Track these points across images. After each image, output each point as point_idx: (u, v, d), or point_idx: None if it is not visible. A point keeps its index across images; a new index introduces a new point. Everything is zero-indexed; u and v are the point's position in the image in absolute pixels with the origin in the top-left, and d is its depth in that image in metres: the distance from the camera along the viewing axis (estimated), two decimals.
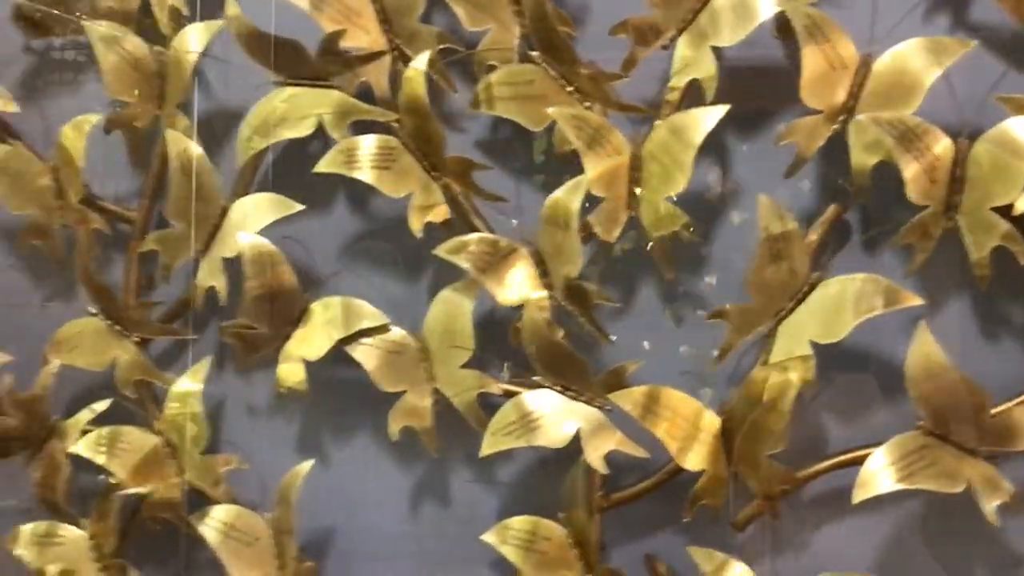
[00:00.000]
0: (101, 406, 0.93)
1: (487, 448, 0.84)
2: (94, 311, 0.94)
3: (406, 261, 0.91)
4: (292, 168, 0.92)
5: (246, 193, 0.90)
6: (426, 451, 0.88)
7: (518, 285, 0.84)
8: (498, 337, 0.87)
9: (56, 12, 0.96)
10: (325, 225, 0.92)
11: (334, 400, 0.92)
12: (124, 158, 0.97)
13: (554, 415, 0.84)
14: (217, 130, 0.93)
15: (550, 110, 0.81)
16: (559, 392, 0.83)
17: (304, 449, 0.93)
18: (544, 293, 0.83)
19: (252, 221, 0.89)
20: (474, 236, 0.85)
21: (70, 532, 0.94)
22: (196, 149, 0.89)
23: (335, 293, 0.89)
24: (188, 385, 0.91)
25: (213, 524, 0.90)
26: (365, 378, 0.89)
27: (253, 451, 0.93)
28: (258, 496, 0.92)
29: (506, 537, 0.85)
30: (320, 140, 0.90)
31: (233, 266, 0.90)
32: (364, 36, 0.86)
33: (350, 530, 0.93)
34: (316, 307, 0.88)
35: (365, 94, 0.88)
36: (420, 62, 0.83)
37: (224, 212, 0.90)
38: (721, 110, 0.79)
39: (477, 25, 0.84)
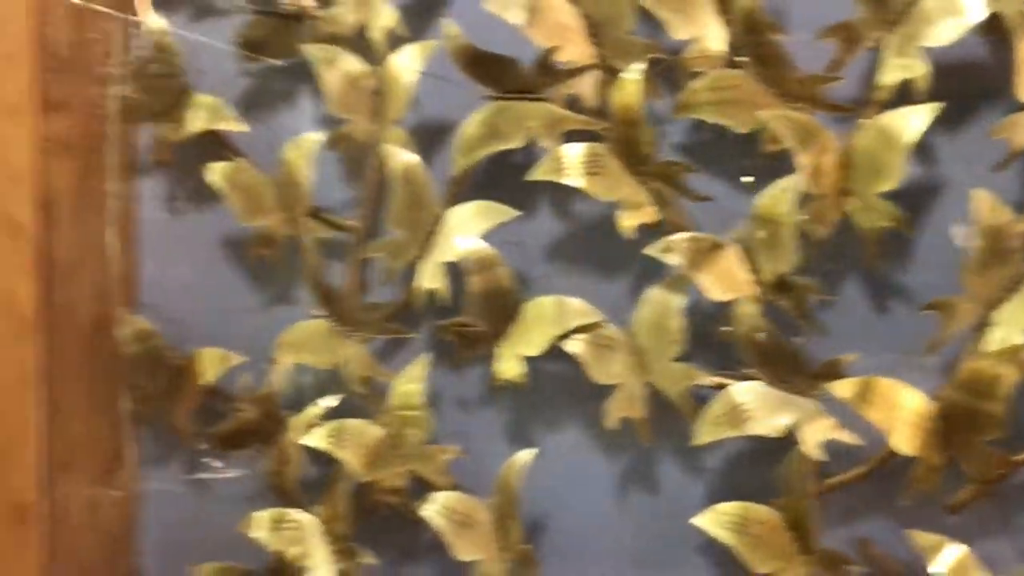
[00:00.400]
0: (331, 401, 0.96)
1: (704, 437, 0.84)
2: (319, 313, 0.98)
3: (609, 261, 0.92)
4: (498, 176, 0.94)
5: (458, 201, 0.93)
6: (632, 441, 0.89)
7: (728, 281, 0.85)
8: (702, 331, 0.88)
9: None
10: (530, 228, 0.93)
11: (543, 392, 0.93)
12: (334, 170, 1.00)
13: (765, 406, 0.84)
14: (429, 143, 0.95)
15: (762, 113, 0.82)
16: (769, 384, 0.84)
17: (515, 439, 0.94)
18: (754, 288, 0.84)
19: (469, 227, 0.91)
20: (683, 235, 0.85)
21: (301, 517, 0.98)
22: (414, 161, 0.92)
23: (544, 292, 0.91)
24: (410, 380, 0.93)
25: (436, 509, 0.92)
26: (571, 371, 0.90)
27: (466, 441, 0.95)
28: (473, 483, 0.94)
29: (717, 521, 0.86)
30: (523, 149, 0.92)
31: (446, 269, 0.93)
32: (573, 49, 0.87)
33: (560, 517, 0.94)
34: (531, 305, 0.89)
35: (570, 104, 0.89)
36: (634, 72, 0.83)
37: (440, 219, 0.93)
38: (932, 109, 0.78)
39: (683, 34, 0.84)
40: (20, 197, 0.95)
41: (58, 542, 0.99)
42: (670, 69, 0.86)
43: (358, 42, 0.94)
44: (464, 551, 0.91)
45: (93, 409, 1.02)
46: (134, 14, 1.02)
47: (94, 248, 1.02)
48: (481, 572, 0.91)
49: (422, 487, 0.94)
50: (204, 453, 1.04)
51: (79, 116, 0.99)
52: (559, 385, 0.93)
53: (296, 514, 0.97)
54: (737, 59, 0.82)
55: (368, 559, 0.95)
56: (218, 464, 1.04)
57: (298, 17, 0.97)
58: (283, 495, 0.98)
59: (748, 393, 0.83)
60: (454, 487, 0.93)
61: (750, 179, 0.86)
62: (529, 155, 0.91)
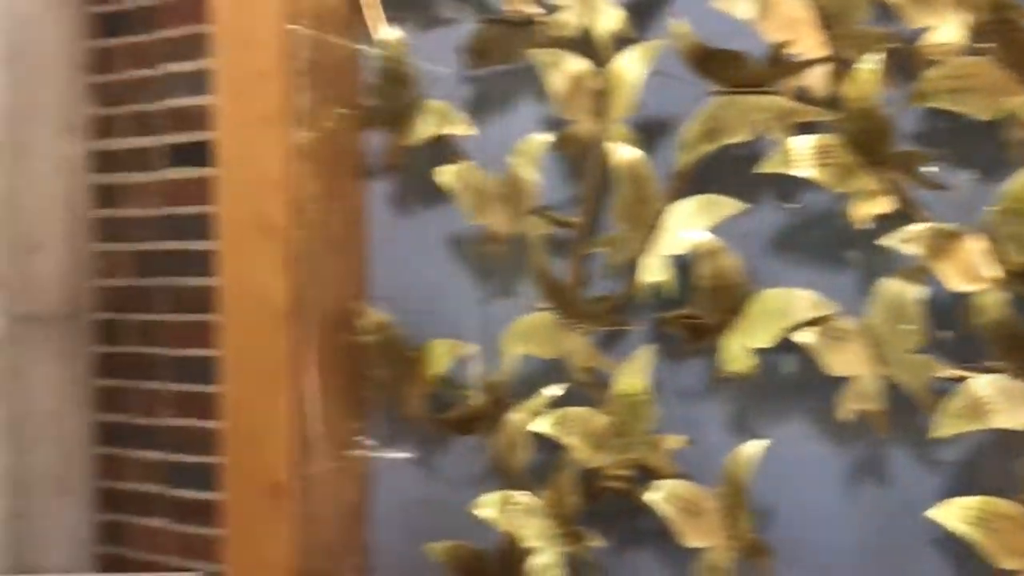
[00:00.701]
0: (556, 390, 0.96)
1: (944, 430, 0.79)
2: (544, 306, 0.98)
3: (837, 252, 0.88)
4: (719, 170, 0.91)
5: (682, 196, 0.91)
6: (862, 433, 0.86)
7: (969, 271, 0.80)
8: (940, 322, 0.84)
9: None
10: (756, 221, 0.90)
11: (767, 383, 0.90)
12: (556, 169, 0.99)
13: (1009, 398, 0.78)
14: (650, 139, 0.93)
15: (1010, 100, 0.77)
16: (1014, 376, 0.79)
17: (740, 430, 0.92)
18: (999, 278, 0.79)
19: (694, 221, 0.89)
20: (923, 225, 0.81)
21: (526, 499, 0.98)
22: (639, 157, 0.91)
23: (772, 285, 0.88)
24: (634, 370, 0.92)
25: (662, 496, 0.91)
26: (797, 362, 0.88)
27: (690, 430, 0.93)
28: (697, 472, 0.92)
29: (956, 515, 0.81)
30: (744, 143, 0.89)
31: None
32: (805, 42, 0.84)
33: (787, 508, 0.91)
34: (759, 298, 0.87)
35: (798, 96, 0.86)
36: (872, 62, 0.80)
37: (664, 214, 0.91)
38: None
39: (920, 22, 0.80)
40: (274, 200, 1.01)
41: (306, 517, 1.04)
42: (904, 58, 0.82)
43: (582, 44, 0.95)
44: (691, 538, 0.90)
45: (337, 394, 1.06)
46: (370, 29, 1.06)
47: (336, 246, 1.06)
48: (709, 560, 0.89)
49: (646, 474, 0.93)
50: (434, 437, 1.07)
51: (323, 123, 1.04)
52: (784, 376, 0.90)
53: (522, 497, 0.98)
54: (979, 46, 0.78)
55: (595, 542, 0.95)
56: (446, 447, 1.07)
57: (522, 23, 0.98)
58: (509, 478, 0.99)
59: (990, 386, 0.79)
60: (679, 475, 0.92)
61: (933, 169, 0.81)
62: (750, 149, 0.89)
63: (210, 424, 1.19)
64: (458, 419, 1.02)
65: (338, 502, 1.07)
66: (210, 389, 1.19)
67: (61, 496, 1.29)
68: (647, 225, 0.92)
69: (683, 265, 0.90)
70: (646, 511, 0.93)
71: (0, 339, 1.24)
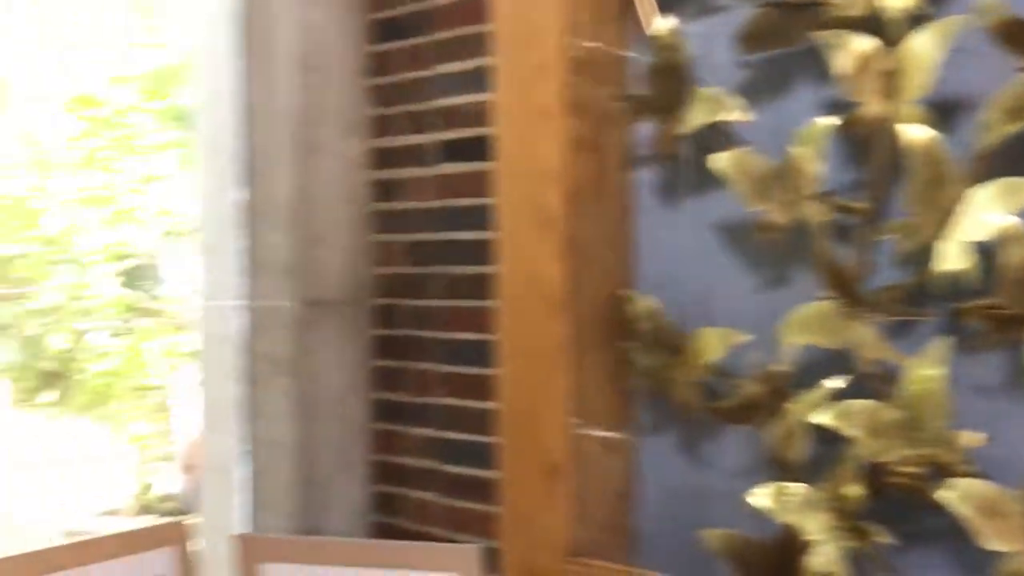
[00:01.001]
0: (838, 382, 0.92)
1: None
2: (825, 295, 0.94)
3: None
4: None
5: (984, 179, 0.85)
6: None
7: None
8: None
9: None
10: None
11: None
12: (836, 152, 0.95)
13: None
14: (946, 120, 0.88)
15: None
16: None
17: None
18: None
19: (997, 205, 0.83)
20: None
21: (802, 491, 0.95)
22: (935, 138, 0.86)
23: None
24: (929, 363, 0.87)
25: (958, 495, 0.86)
26: None
27: (988, 428, 0.87)
28: (994, 471, 0.86)
29: None
30: None
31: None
32: None
33: None
34: None
35: None
36: None
37: (963, 198, 0.86)
38: None
39: None
40: (550, 190, 1.03)
41: (579, 497, 1.06)
42: None
43: (868, 23, 0.90)
44: (991, 541, 0.84)
45: (607, 379, 1.08)
46: (643, 20, 1.06)
47: (607, 234, 1.08)
48: (1013, 565, 0.83)
49: (938, 471, 0.87)
50: (700, 424, 1.06)
51: (597, 116, 1.05)
52: None
53: (800, 488, 0.95)
54: None
55: (880, 537, 0.91)
56: (713, 435, 1.06)
57: (802, 6, 0.95)
58: (784, 469, 0.97)
59: None
60: (975, 474, 0.86)
61: None
62: None
63: (480, 404, 1.24)
64: (731, 408, 1.00)
65: (607, 484, 1.09)
66: (480, 370, 1.23)
67: (342, 468, 1.39)
68: (943, 210, 0.86)
69: (984, 252, 0.85)
70: (935, 509, 0.88)
71: (291, 323, 1.35)
